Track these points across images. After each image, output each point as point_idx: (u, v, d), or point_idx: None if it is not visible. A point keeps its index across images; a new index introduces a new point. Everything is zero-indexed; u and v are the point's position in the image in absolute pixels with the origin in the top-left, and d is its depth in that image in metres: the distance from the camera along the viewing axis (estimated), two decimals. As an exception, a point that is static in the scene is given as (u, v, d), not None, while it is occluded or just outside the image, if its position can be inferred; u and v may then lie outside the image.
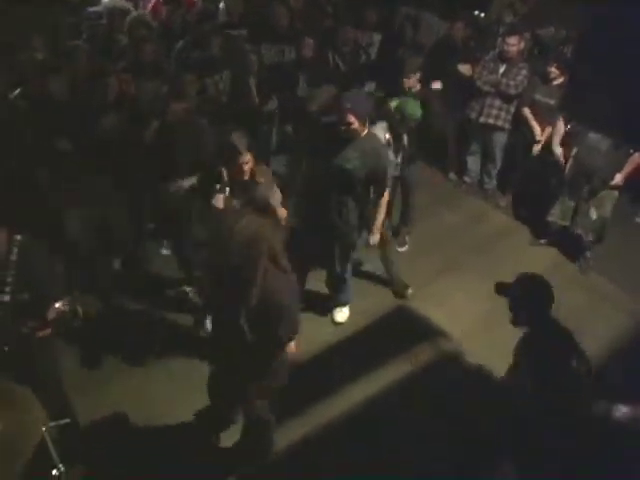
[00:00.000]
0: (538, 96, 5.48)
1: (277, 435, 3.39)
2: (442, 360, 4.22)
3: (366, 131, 3.78)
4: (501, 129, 5.75)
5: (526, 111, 5.58)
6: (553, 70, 5.34)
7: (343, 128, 3.67)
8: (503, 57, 5.60)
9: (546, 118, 5.44)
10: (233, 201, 3.51)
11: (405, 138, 4.51)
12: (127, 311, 4.21)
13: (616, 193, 5.06)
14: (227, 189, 3.54)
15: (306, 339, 3.34)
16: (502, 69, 5.58)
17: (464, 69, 5.80)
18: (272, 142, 5.67)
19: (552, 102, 5.37)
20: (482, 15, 7.33)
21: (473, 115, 5.81)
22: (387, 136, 4.39)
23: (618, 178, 4.94)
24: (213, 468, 3.31)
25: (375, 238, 4.17)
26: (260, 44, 5.60)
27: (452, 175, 6.44)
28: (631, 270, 5.11)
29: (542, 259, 5.19)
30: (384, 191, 3.97)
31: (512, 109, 5.66)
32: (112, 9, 6.18)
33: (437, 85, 5.57)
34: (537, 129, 5.53)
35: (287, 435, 3.51)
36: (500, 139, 5.84)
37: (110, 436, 3.49)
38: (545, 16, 6.76)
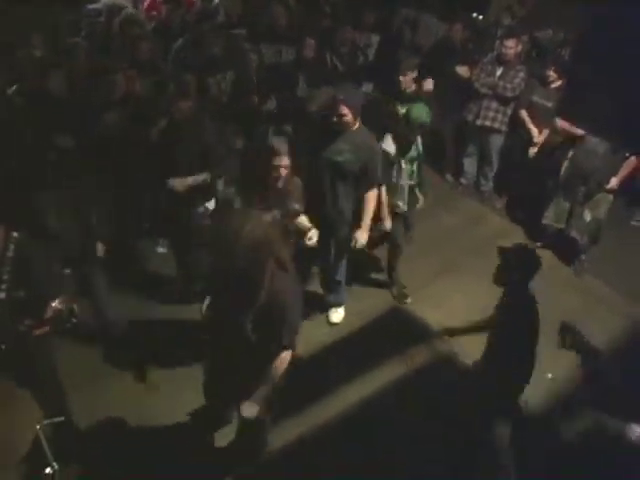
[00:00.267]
0: (535, 98, 5.50)
1: (272, 435, 3.39)
2: (438, 362, 4.22)
3: (357, 125, 3.76)
4: (498, 131, 5.77)
5: (523, 113, 5.59)
6: (551, 73, 5.36)
7: (335, 119, 3.65)
8: (501, 60, 5.61)
9: (543, 120, 5.46)
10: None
11: (419, 144, 4.28)
12: (123, 309, 4.19)
13: (611, 196, 5.08)
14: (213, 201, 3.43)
15: (301, 339, 3.33)
16: (499, 72, 5.59)
17: (462, 71, 5.82)
18: (268, 142, 5.66)
19: (549, 104, 5.40)
20: (480, 17, 7.38)
21: (470, 117, 5.82)
22: (394, 147, 4.17)
23: (614, 182, 4.96)
24: (208, 468, 3.30)
25: (362, 236, 3.95)
26: (259, 44, 5.59)
27: (449, 177, 6.48)
28: (626, 273, 5.12)
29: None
30: (374, 186, 3.93)
31: (509, 112, 5.68)
32: (111, 7, 6.19)
33: (429, 85, 5.57)
34: (534, 131, 5.54)
35: (282, 435, 3.51)
36: (497, 141, 5.85)
37: (105, 435, 3.48)
38: (543, 18, 6.78)
